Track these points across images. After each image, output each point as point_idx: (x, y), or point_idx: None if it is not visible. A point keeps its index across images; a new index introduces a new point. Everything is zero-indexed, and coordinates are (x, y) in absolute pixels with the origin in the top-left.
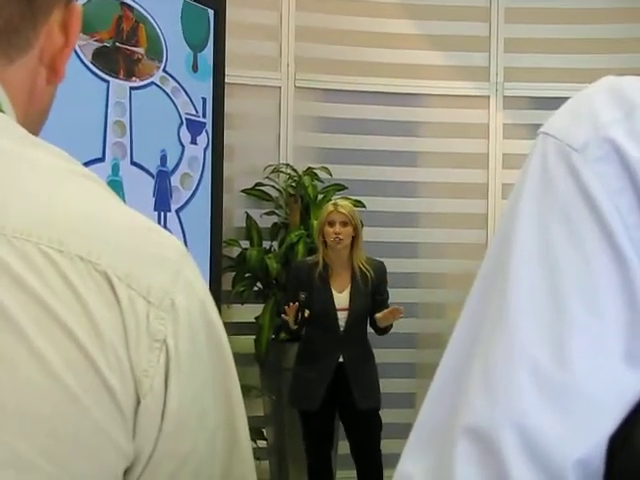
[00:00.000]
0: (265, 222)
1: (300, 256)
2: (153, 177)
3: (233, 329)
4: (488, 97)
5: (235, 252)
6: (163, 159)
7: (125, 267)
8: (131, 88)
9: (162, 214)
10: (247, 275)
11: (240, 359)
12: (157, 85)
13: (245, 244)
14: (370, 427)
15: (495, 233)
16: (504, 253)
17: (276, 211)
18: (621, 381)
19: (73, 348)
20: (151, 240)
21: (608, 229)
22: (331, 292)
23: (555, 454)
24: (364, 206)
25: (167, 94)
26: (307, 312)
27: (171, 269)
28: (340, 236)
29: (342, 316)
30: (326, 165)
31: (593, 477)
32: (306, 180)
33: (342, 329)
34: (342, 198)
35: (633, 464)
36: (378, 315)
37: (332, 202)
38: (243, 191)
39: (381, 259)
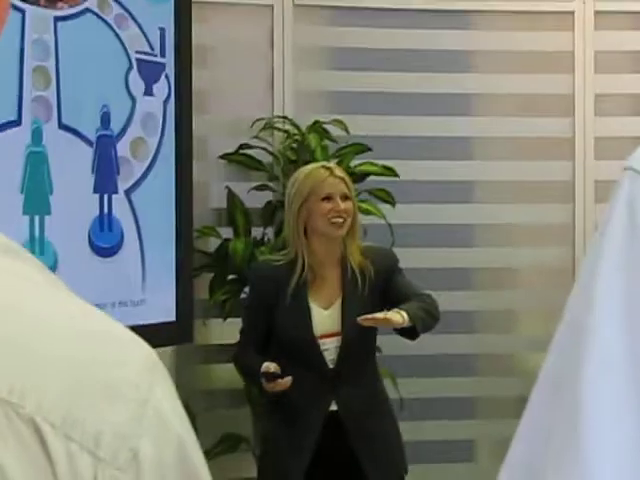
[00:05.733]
0: (254, 200)
1: None
2: (91, 145)
3: (212, 354)
4: (573, 14)
5: (213, 245)
6: (105, 119)
7: (62, 407)
8: (56, 18)
9: (105, 198)
10: (231, 277)
11: (223, 397)
12: (93, 12)
13: (227, 233)
14: None
15: (576, 285)
16: (583, 319)
17: (270, 184)
18: None
19: None
20: (104, 356)
21: None
22: (309, 310)
23: None
24: (396, 174)
25: (108, 25)
26: (287, 379)
27: (133, 400)
28: (343, 215)
29: (330, 345)
30: (340, 117)
31: None
32: (312, 139)
33: (332, 364)
34: (368, 163)
35: None
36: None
37: (321, 164)
38: (222, 157)
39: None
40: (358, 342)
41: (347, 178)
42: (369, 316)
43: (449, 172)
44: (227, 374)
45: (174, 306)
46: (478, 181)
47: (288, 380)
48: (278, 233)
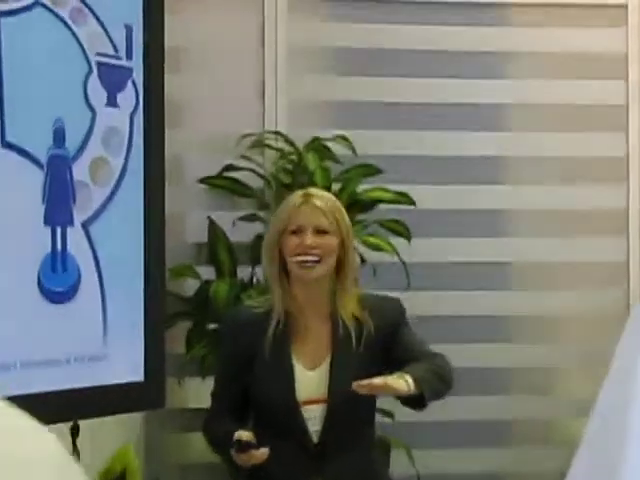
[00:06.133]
0: (241, 234)
1: None
2: (41, 167)
3: (188, 421)
4: (626, 7)
5: (190, 287)
6: (58, 135)
7: None
8: None
9: (58, 231)
10: (212, 327)
11: (200, 472)
12: (44, 6)
13: (207, 273)
14: None
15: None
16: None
17: (260, 214)
18: None
19: None
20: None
21: None
22: (291, 370)
23: None
24: (412, 202)
25: (63, 21)
26: (263, 451)
27: None
28: (313, 253)
29: (315, 413)
30: (344, 132)
31: None
32: (311, 159)
33: (316, 437)
34: (378, 189)
35: None
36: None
37: (304, 191)
38: (202, 181)
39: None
40: (348, 411)
41: (334, 207)
42: (365, 382)
43: (476, 199)
44: (205, 445)
45: (142, 362)
46: (511, 210)
47: (264, 452)
48: None
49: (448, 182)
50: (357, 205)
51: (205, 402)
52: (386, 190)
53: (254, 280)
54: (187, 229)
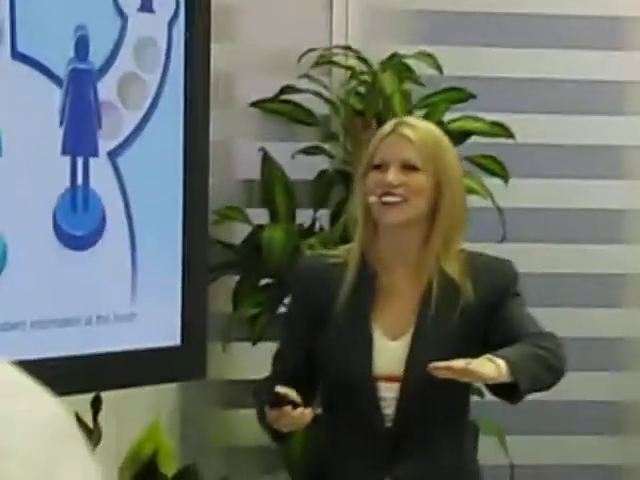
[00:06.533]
0: (302, 170)
1: None
2: (60, 83)
3: (235, 395)
4: None
5: (239, 234)
6: (81, 46)
7: None
8: None
9: (79, 163)
10: (265, 282)
11: (250, 457)
12: None
13: (260, 217)
14: None
15: None
16: None
17: (325, 146)
18: None
19: None
20: None
21: None
22: (371, 338)
23: None
24: (511, 135)
25: None
26: (314, 411)
27: None
28: (395, 193)
29: (390, 394)
30: (430, 48)
31: None
32: (388, 80)
33: (389, 422)
34: (470, 118)
35: None
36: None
37: (395, 119)
38: (255, 104)
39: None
40: (428, 396)
41: (430, 139)
42: (443, 364)
43: (590, 132)
44: (256, 424)
45: (179, 324)
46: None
47: (304, 413)
48: (335, 218)
49: (555, 111)
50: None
51: (254, 372)
52: (479, 119)
53: (316, 226)
54: (236, 163)
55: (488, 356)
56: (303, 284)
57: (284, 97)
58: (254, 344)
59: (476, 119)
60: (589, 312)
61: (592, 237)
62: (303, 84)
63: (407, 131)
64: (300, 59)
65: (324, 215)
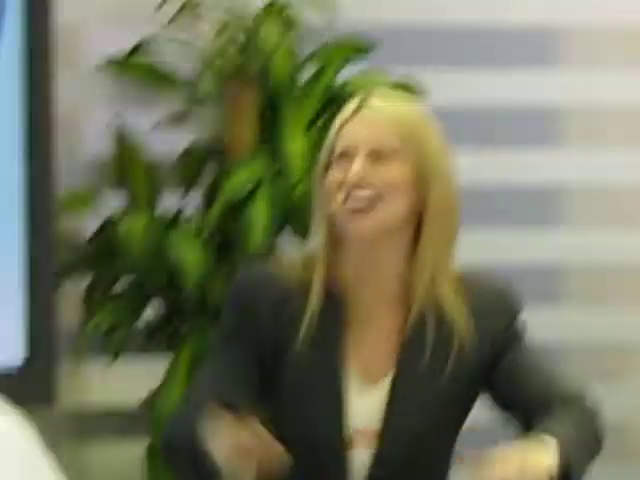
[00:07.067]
0: (164, 144)
1: (259, 239)
2: None
3: (90, 425)
4: None
5: (90, 224)
6: None
7: None
8: None
9: None
10: (124, 282)
11: None
12: None
13: (116, 202)
14: None
15: None
16: None
17: (193, 115)
18: None
19: None
20: None
21: None
22: (340, 387)
23: None
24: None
25: None
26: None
27: None
28: (364, 188)
29: (362, 453)
30: None
31: None
32: (267, 31)
33: None
34: (372, 75)
35: None
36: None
37: (362, 93)
38: (107, 64)
39: None
40: (409, 459)
41: (405, 116)
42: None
43: (525, 90)
44: (118, 458)
45: (20, 337)
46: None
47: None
48: (208, 203)
49: (474, 64)
50: (337, 102)
51: (115, 395)
52: (384, 76)
53: (184, 213)
54: (84, 136)
55: (537, 438)
56: (253, 300)
57: (140, 55)
58: (114, 358)
59: (380, 75)
60: None
61: None
62: (164, 38)
63: (376, 107)
64: (159, 7)
65: (193, 199)
